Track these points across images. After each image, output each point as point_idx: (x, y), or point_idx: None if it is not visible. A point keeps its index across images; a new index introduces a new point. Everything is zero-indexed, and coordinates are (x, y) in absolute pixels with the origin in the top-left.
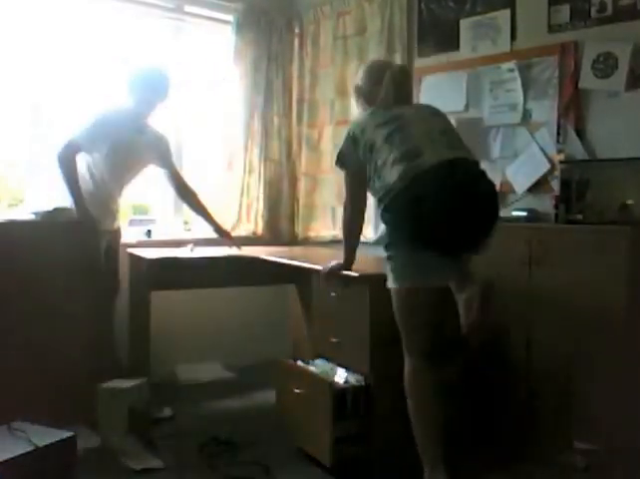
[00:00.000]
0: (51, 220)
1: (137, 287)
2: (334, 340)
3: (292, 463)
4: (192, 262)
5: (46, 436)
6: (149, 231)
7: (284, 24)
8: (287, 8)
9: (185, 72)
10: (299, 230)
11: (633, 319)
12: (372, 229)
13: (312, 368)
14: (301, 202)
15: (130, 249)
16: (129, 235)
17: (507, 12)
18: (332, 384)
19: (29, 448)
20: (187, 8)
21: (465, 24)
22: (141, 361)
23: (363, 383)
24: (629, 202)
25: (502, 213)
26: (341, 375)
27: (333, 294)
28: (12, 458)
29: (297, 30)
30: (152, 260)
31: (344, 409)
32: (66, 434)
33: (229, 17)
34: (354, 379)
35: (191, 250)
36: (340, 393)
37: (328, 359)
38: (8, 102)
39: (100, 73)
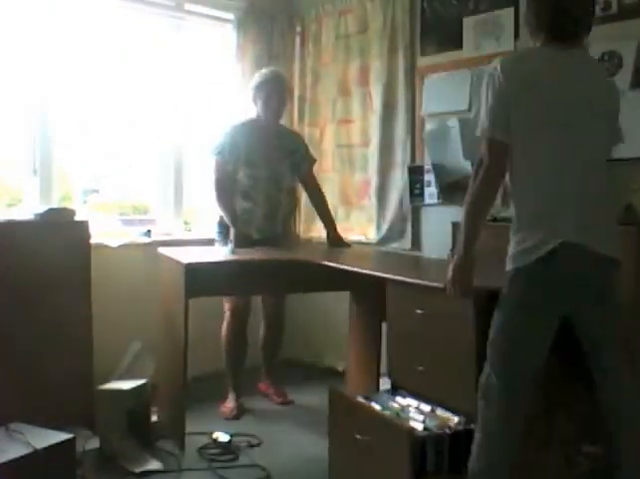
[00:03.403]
0: (50, 220)
1: (172, 293)
2: (420, 369)
3: (293, 466)
4: (236, 267)
5: (44, 438)
6: (148, 230)
7: (285, 22)
8: (288, 6)
9: (186, 70)
10: (301, 230)
11: (639, 320)
12: (374, 228)
13: (377, 406)
14: (303, 202)
15: (162, 250)
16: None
17: (511, 10)
18: (411, 432)
19: (27, 450)
20: (188, 6)
21: (468, 22)
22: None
23: (448, 429)
24: (634, 202)
25: (506, 213)
26: (416, 417)
27: (419, 312)
28: (10, 460)
29: (299, 28)
30: (190, 266)
31: (424, 465)
32: (64, 436)
33: (230, 15)
34: (435, 423)
35: (232, 252)
36: (420, 443)
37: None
38: (7, 102)
39: (100, 71)
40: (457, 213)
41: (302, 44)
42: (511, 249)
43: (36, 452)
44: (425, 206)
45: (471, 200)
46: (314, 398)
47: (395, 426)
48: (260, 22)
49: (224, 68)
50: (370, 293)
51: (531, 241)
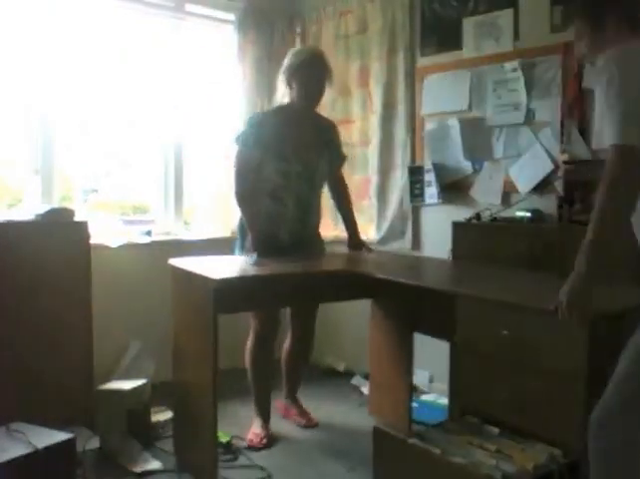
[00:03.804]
0: (50, 220)
1: (193, 309)
2: (503, 396)
3: (293, 467)
4: (268, 280)
5: (45, 438)
6: (148, 231)
7: (286, 23)
8: (289, 7)
9: (186, 71)
10: None
11: None
12: (374, 228)
13: (434, 448)
14: None
15: (175, 262)
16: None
17: (510, 11)
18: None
19: (28, 450)
20: (188, 7)
21: (467, 23)
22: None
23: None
24: None
25: (506, 213)
26: (486, 460)
27: (505, 333)
28: (11, 460)
29: (299, 29)
30: (220, 282)
31: None
32: (65, 436)
33: (230, 16)
34: (510, 468)
35: (253, 263)
36: None
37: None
38: (7, 102)
39: (100, 71)
40: (456, 212)
41: (302, 45)
42: None
43: (36, 452)
44: (425, 206)
45: (598, 219)
46: (314, 398)
47: (474, 476)
48: (261, 23)
49: (225, 68)
50: (398, 301)
51: None
